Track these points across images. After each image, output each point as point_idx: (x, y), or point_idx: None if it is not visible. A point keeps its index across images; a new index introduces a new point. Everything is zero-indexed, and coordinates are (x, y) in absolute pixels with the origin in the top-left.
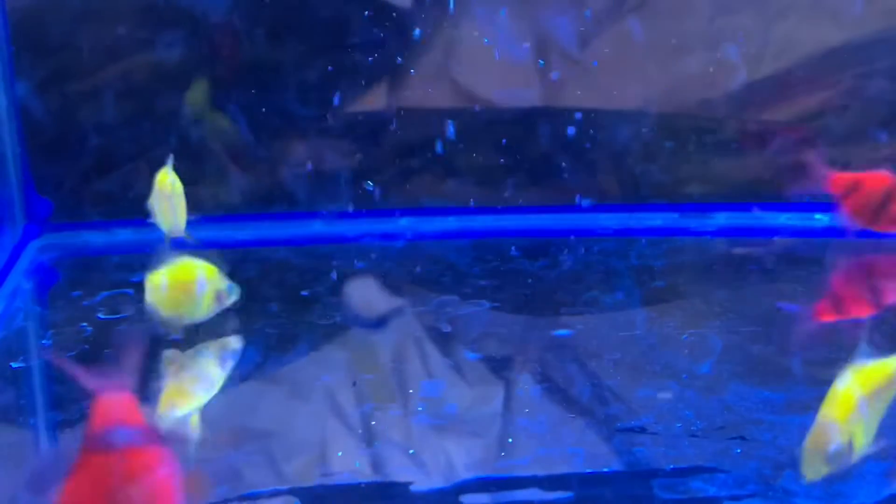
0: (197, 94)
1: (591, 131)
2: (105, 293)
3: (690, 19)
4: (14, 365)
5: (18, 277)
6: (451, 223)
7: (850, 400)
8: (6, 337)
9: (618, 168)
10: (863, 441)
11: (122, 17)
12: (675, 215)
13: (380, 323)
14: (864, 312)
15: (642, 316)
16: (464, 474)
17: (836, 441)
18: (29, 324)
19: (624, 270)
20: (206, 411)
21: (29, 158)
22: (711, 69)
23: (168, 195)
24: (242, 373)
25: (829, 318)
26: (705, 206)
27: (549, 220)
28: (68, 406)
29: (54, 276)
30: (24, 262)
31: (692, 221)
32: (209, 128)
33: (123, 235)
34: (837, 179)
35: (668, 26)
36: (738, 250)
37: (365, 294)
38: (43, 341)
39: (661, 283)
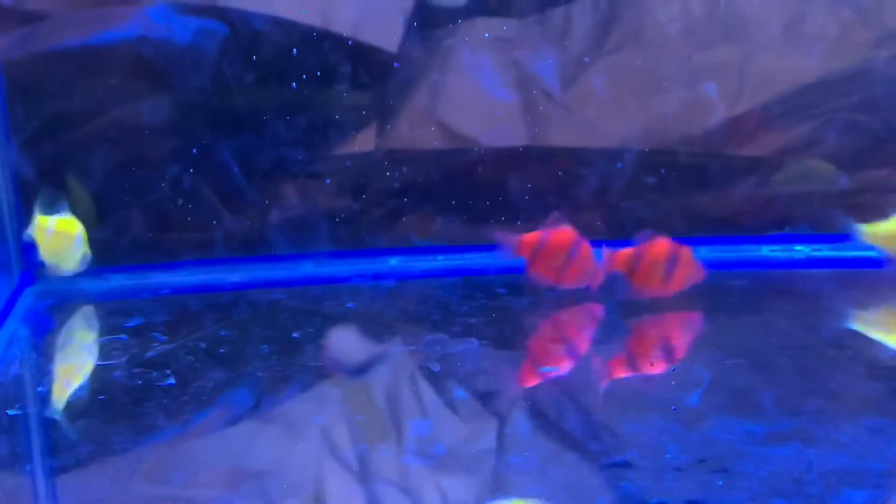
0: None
1: (575, 169)
2: (99, 340)
3: (669, 59)
4: (10, 412)
5: (15, 324)
6: (440, 262)
7: None
8: (3, 383)
9: (601, 204)
10: None
11: (113, 70)
12: None
13: (370, 363)
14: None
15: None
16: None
17: None
18: (25, 370)
19: (609, 304)
20: (200, 453)
21: (24, 207)
22: (690, 106)
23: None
24: (236, 414)
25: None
26: (688, 240)
27: None
28: (64, 453)
29: (49, 323)
30: (20, 308)
31: None
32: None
33: (117, 282)
34: (524, 242)
35: (647, 66)
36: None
37: (356, 334)
38: (39, 388)
39: (646, 316)
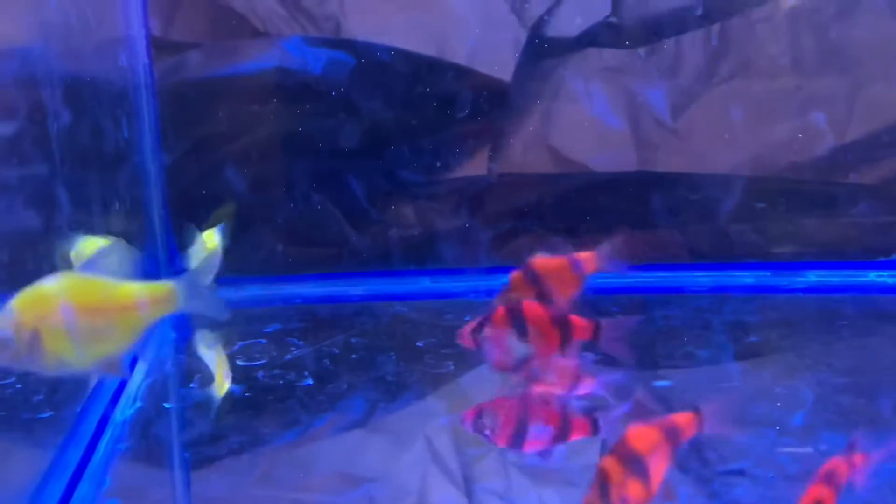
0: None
1: (685, 193)
2: (242, 343)
3: (778, 88)
4: (167, 405)
5: (164, 328)
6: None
7: None
8: (156, 381)
9: (711, 228)
10: None
11: (252, 96)
12: (768, 273)
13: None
14: None
15: (737, 369)
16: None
17: None
18: (175, 370)
19: (719, 326)
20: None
21: (172, 220)
22: (800, 134)
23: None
24: (369, 413)
25: None
26: (796, 265)
27: (646, 278)
28: (216, 442)
29: (194, 327)
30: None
31: (784, 279)
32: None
33: (253, 291)
34: None
35: (757, 95)
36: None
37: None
38: (191, 384)
39: (754, 338)
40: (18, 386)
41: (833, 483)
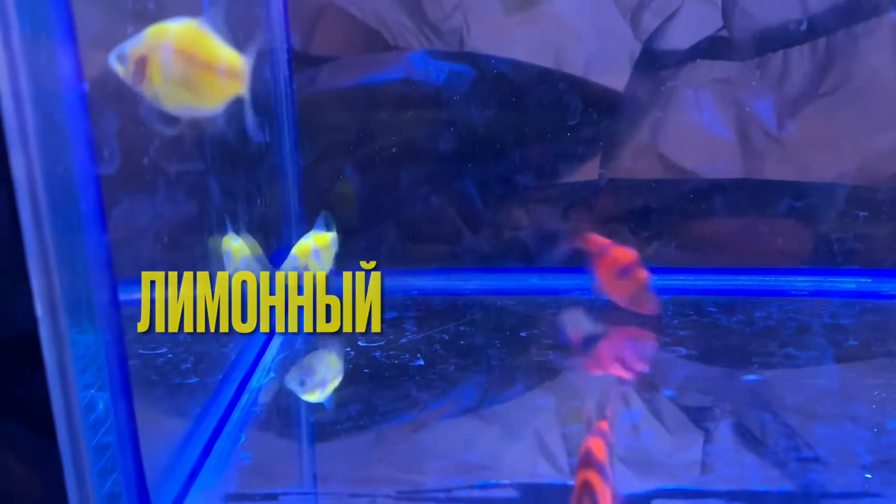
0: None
1: (788, 201)
2: None
3: (882, 99)
4: (302, 378)
5: None
6: (654, 282)
7: None
8: (288, 356)
9: (813, 235)
10: None
11: (380, 105)
12: (868, 280)
13: (589, 361)
14: None
15: (832, 369)
16: (657, 484)
17: None
18: (304, 347)
19: (817, 329)
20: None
21: (305, 214)
22: None
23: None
24: (473, 395)
25: None
26: None
27: (746, 281)
28: (337, 410)
29: None
30: None
31: (885, 286)
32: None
33: None
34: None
35: (861, 108)
36: None
37: (575, 337)
38: (316, 361)
39: (853, 342)
40: (170, 356)
41: (593, 464)
